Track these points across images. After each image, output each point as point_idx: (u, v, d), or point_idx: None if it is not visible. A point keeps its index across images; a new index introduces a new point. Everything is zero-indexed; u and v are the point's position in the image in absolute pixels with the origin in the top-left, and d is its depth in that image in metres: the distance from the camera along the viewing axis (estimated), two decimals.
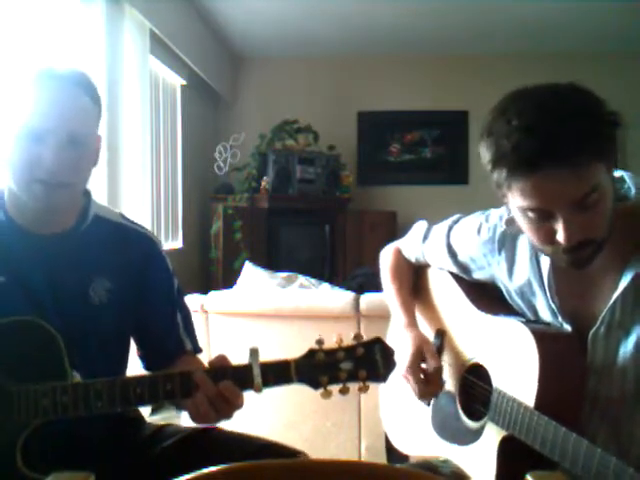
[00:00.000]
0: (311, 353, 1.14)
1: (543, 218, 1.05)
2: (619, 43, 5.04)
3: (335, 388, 1.13)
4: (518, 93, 1.05)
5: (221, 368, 1.15)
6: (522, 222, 1.11)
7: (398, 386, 1.56)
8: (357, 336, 1.15)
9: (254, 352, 1.13)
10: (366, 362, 1.14)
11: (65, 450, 1.19)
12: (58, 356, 1.15)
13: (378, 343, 1.15)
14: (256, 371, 1.12)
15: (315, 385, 1.12)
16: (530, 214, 1.06)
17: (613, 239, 1.10)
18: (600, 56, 5.25)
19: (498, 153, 1.02)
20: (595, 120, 1.00)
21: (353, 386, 1.14)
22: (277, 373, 1.13)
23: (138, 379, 1.14)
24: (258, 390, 1.12)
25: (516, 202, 1.06)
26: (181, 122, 4.62)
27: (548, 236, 1.06)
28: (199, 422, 1.18)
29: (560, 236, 1.03)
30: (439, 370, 1.39)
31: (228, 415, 1.15)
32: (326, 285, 2.72)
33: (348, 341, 1.15)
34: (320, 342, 1.14)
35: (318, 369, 1.12)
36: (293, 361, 1.13)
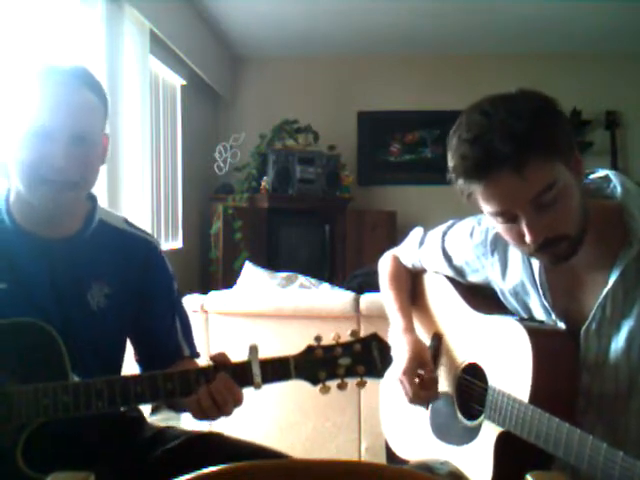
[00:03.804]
0: (309, 349, 1.16)
1: (510, 220, 1.08)
2: (619, 43, 5.04)
3: (333, 383, 1.15)
4: (470, 107, 1.09)
5: (221, 364, 1.16)
6: (496, 226, 1.14)
7: (397, 392, 1.57)
8: (354, 332, 1.18)
9: (253, 349, 1.15)
10: (364, 358, 1.16)
11: (66, 450, 1.19)
12: (59, 358, 1.15)
13: (375, 339, 1.18)
14: (255, 368, 1.13)
15: (314, 381, 1.15)
16: (498, 218, 1.09)
17: (601, 236, 1.12)
18: (600, 56, 5.25)
19: (453, 166, 1.09)
20: (536, 120, 1.02)
21: (351, 382, 1.16)
22: (276, 369, 1.14)
23: (138, 378, 1.15)
24: (258, 387, 1.14)
25: (483, 209, 1.11)
26: (181, 122, 4.62)
27: (519, 237, 1.09)
28: (200, 418, 1.18)
29: (526, 237, 1.06)
30: (435, 377, 1.40)
31: (228, 411, 1.15)
32: (326, 285, 2.72)
33: (345, 338, 1.17)
34: (318, 339, 1.16)
35: (316, 365, 1.14)
36: (292, 357, 1.15)
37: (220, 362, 1.16)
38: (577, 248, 1.10)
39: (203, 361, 1.25)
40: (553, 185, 1.03)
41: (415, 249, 1.55)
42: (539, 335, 1.17)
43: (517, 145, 1.01)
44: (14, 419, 1.09)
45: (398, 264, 1.62)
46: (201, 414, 1.16)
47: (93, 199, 1.34)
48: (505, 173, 1.02)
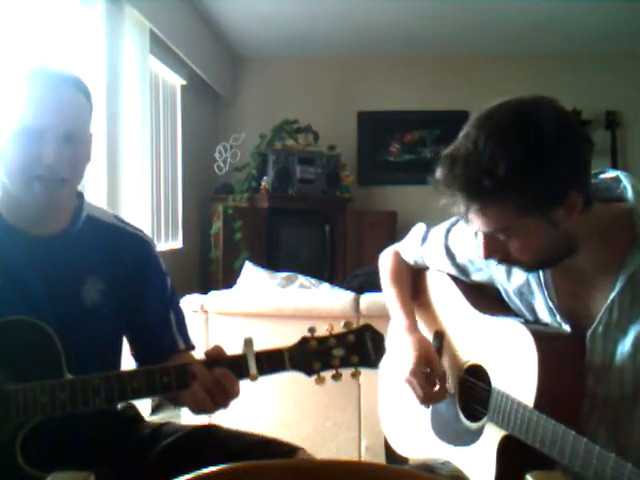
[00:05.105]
0: (304, 341, 1.17)
1: None
2: (619, 43, 5.04)
3: (328, 374, 1.17)
4: (478, 119, 1.12)
5: (217, 358, 1.17)
6: None
7: (397, 389, 1.56)
8: (347, 324, 1.19)
9: (248, 342, 1.16)
10: (357, 348, 1.18)
11: (65, 447, 1.19)
12: (55, 355, 1.16)
13: (368, 330, 1.20)
14: (251, 360, 1.14)
15: (308, 372, 1.16)
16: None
17: (609, 239, 1.12)
18: (600, 56, 5.25)
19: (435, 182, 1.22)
20: (512, 176, 1.03)
21: (346, 373, 1.17)
22: (271, 361, 1.16)
23: (134, 373, 1.15)
24: (253, 379, 1.15)
25: None
26: (181, 122, 4.62)
27: None
28: (197, 412, 1.19)
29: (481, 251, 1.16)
30: (444, 375, 1.40)
31: (225, 404, 1.17)
32: (326, 285, 2.72)
33: (339, 329, 1.19)
34: (312, 330, 1.17)
35: (311, 356, 1.16)
36: (286, 349, 1.16)
37: (214, 357, 1.17)
38: (540, 269, 1.18)
39: (199, 354, 1.25)
40: (504, 230, 1.10)
41: (417, 246, 1.54)
42: (544, 338, 1.16)
43: (477, 195, 1.07)
44: (12, 417, 1.09)
45: (399, 260, 1.61)
46: (197, 408, 1.17)
47: (80, 196, 1.35)
48: (471, 207, 1.12)
